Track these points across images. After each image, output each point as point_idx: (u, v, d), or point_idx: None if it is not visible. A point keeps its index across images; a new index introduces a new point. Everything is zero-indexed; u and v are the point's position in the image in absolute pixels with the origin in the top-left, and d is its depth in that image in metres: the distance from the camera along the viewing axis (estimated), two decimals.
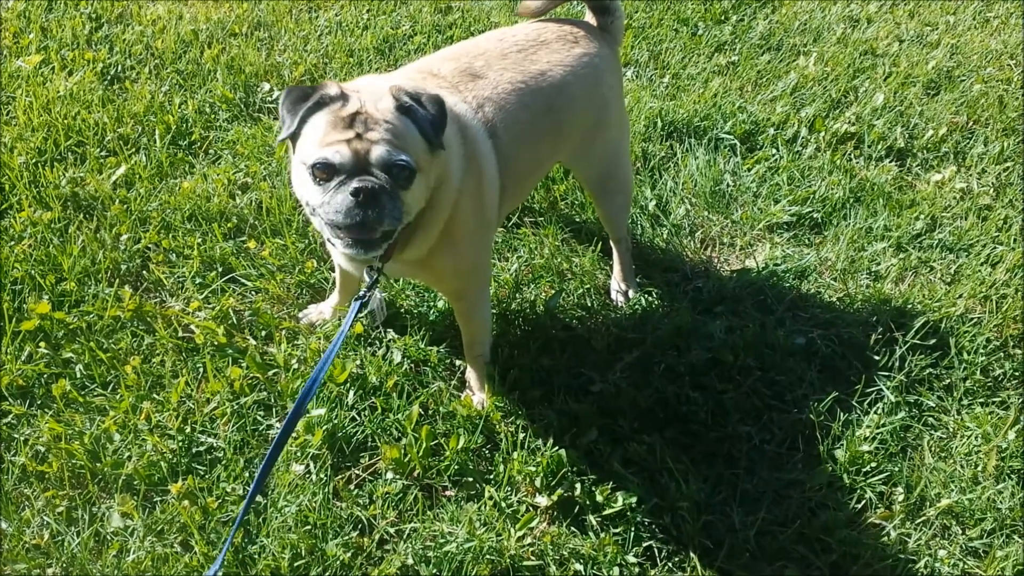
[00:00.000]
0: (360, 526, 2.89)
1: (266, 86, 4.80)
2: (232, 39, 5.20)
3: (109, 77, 4.84)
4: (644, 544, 2.86)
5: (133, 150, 4.32)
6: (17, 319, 3.40)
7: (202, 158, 4.32)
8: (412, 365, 3.38)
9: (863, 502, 3.00)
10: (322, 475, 2.99)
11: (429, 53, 4.92)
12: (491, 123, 2.90)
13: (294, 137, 2.55)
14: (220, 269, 3.69)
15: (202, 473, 3.01)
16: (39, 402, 3.20)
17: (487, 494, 2.95)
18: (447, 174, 2.68)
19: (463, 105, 2.87)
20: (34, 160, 4.18)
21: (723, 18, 5.62)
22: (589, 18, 3.37)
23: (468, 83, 2.95)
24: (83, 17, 5.26)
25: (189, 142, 4.40)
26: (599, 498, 2.93)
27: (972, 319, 3.58)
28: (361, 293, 2.67)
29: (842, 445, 3.13)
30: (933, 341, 3.46)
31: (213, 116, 4.59)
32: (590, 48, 3.21)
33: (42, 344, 3.34)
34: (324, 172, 2.44)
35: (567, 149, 3.32)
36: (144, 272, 3.71)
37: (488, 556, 2.79)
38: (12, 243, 3.71)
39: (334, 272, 3.53)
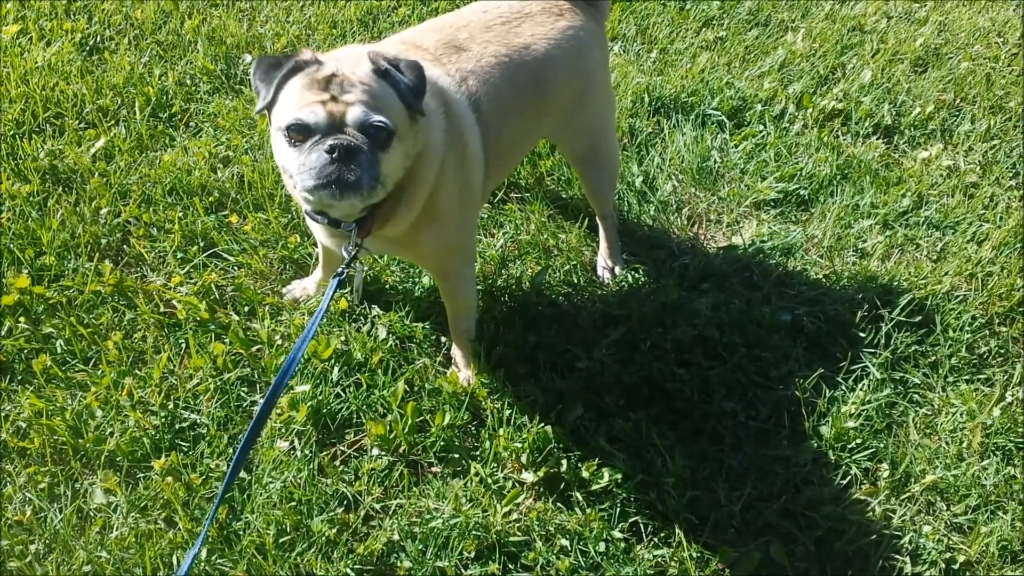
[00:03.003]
0: (345, 502, 2.88)
1: (248, 58, 4.72)
2: (213, 9, 5.11)
3: (88, 48, 4.75)
4: (630, 520, 2.87)
5: (112, 122, 4.25)
6: None
7: (183, 131, 4.26)
8: (397, 341, 3.35)
9: (848, 478, 3.01)
10: (307, 451, 2.97)
11: (413, 24, 4.87)
12: (475, 97, 2.86)
13: (271, 106, 2.50)
14: (202, 244, 3.65)
15: (185, 449, 2.99)
16: (19, 378, 3.16)
17: (473, 470, 2.94)
18: (428, 146, 2.63)
19: (447, 78, 2.83)
20: (12, 132, 4.10)
21: None
22: None
23: (452, 56, 2.91)
24: None
25: (169, 114, 4.33)
26: (585, 474, 2.93)
27: (958, 296, 3.59)
28: (339, 270, 2.63)
29: (827, 422, 3.13)
30: (919, 318, 3.46)
31: (194, 88, 4.52)
32: (575, 21, 3.17)
33: (22, 319, 3.29)
34: (299, 133, 2.40)
35: (552, 124, 3.28)
36: (125, 246, 3.66)
37: (474, 532, 2.78)
38: None
39: (317, 248, 3.50)
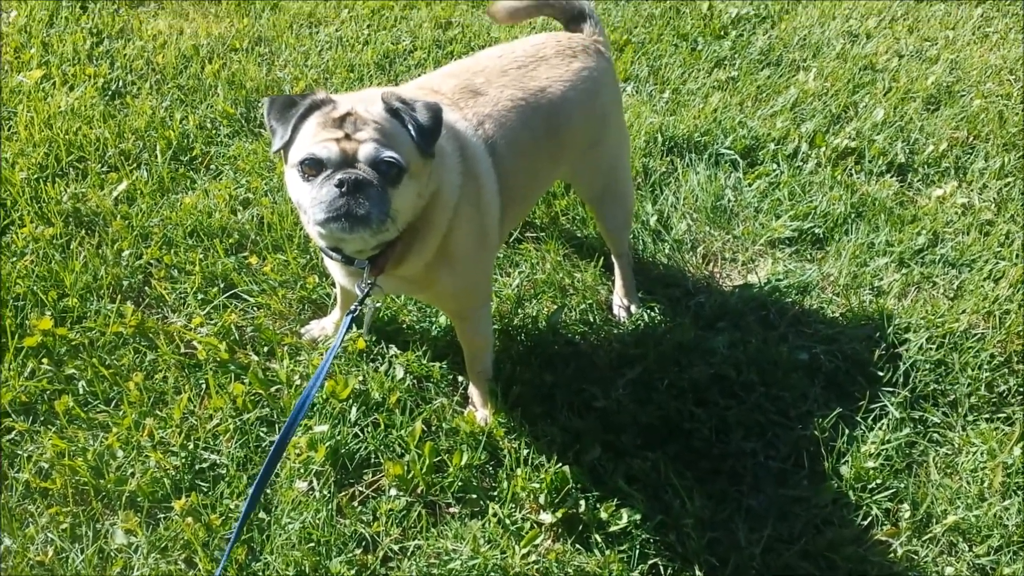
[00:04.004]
0: (364, 543, 2.88)
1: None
2: (233, 54, 5.22)
3: (110, 92, 4.85)
4: (649, 562, 2.85)
5: (134, 165, 4.32)
6: (20, 335, 3.39)
7: (203, 173, 4.32)
8: (415, 381, 3.37)
9: (869, 519, 2.99)
10: (325, 492, 2.98)
11: (429, 68, 4.96)
12: (491, 140, 2.90)
13: (287, 146, 2.54)
14: (222, 285, 3.69)
15: (205, 490, 3.00)
16: (42, 418, 3.19)
17: (491, 511, 2.94)
18: (443, 187, 2.67)
19: (464, 122, 2.88)
20: (36, 176, 4.18)
21: (722, 33, 5.64)
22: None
23: (468, 100, 2.96)
24: (84, 32, 5.28)
25: (190, 157, 4.40)
26: (603, 515, 2.92)
27: (975, 334, 3.58)
28: (352, 307, 2.65)
29: (847, 461, 3.12)
30: (937, 357, 3.46)
31: (214, 131, 4.59)
32: (589, 62, 3.22)
33: (45, 360, 3.33)
34: (312, 168, 2.44)
35: (567, 164, 3.32)
36: (146, 288, 3.71)
37: (493, 574, 2.78)
38: (14, 259, 3.70)
39: (335, 288, 3.53)
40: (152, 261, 3.78)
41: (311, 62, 5.18)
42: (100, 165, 4.29)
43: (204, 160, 4.39)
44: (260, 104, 4.77)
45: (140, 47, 5.20)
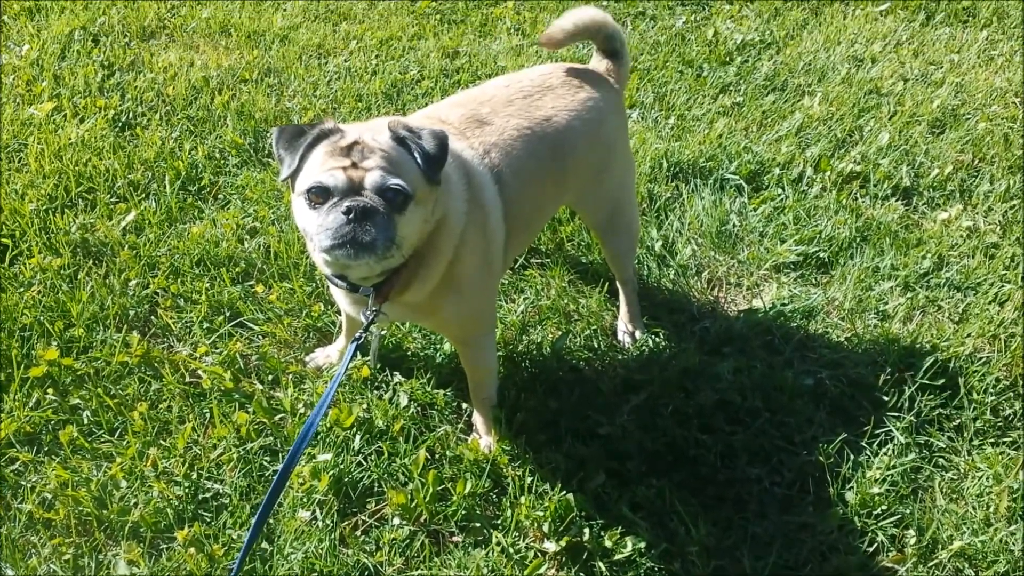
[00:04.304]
0: (367, 573, 2.87)
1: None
2: (242, 85, 5.28)
3: (120, 124, 4.91)
4: None
5: (143, 196, 4.36)
6: (25, 365, 3.41)
7: (211, 203, 4.36)
8: (419, 408, 3.37)
9: (875, 545, 2.96)
10: (328, 521, 2.98)
11: (437, 97, 5.01)
12: (497, 169, 2.92)
13: (295, 174, 2.57)
14: (228, 314, 3.71)
15: (208, 520, 3.00)
16: (46, 449, 3.20)
17: (495, 540, 2.93)
18: (448, 215, 2.69)
19: (470, 151, 2.90)
20: (45, 207, 4.22)
21: (728, 59, 5.67)
22: (595, 62, 3.41)
23: (475, 129, 2.99)
24: (95, 65, 5.35)
25: (199, 187, 4.45)
26: (608, 543, 2.90)
27: (981, 358, 3.56)
28: (358, 334, 2.67)
29: (852, 487, 3.09)
30: (942, 381, 3.43)
31: (223, 161, 4.64)
32: (594, 92, 3.25)
33: (50, 390, 3.35)
34: (319, 196, 2.46)
35: (573, 192, 3.35)
36: (152, 317, 3.73)
37: None
38: (21, 289, 3.74)
39: (340, 316, 3.54)
40: (159, 290, 3.81)
41: (320, 92, 5.23)
42: (109, 196, 4.34)
43: (212, 190, 4.44)
44: (269, 134, 4.81)
45: (151, 79, 5.27)
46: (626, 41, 3.46)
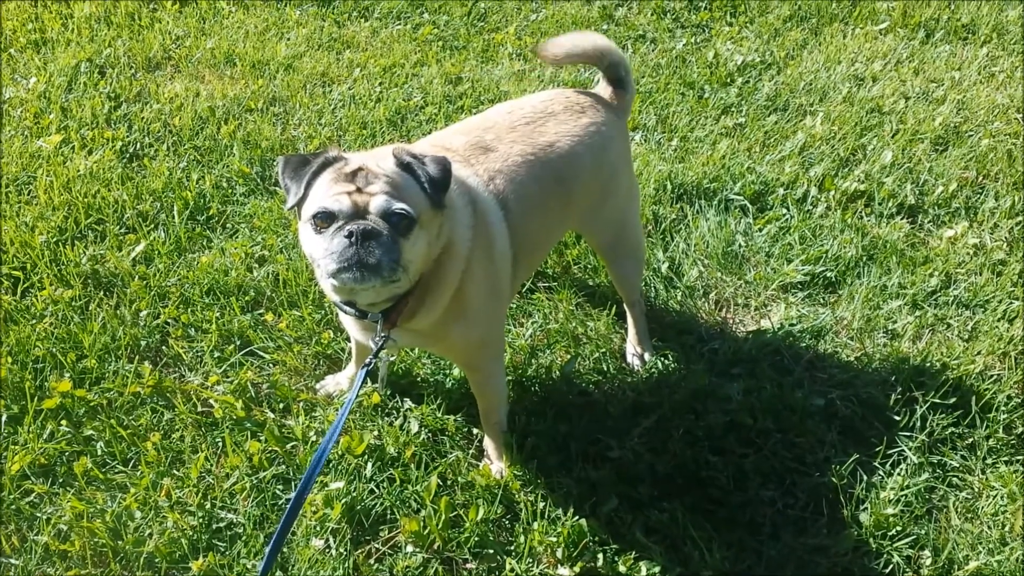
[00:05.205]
0: None
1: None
2: (248, 115, 5.32)
3: (128, 155, 4.94)
4: None
5: (152, 226, 4.39)
6: (39, 397, 3.42)
7: (220, 232, 4.39)
8: (430, 435, 3.38)
9: (891, 567, 2.95)
10: (342, 549, 2.98)
11: (440, 123, 5.04)
12: (502, 195, 2.95)
13: (301, 202, 2.59)
14: (238, 342, 3.72)
15: (223, 549, 3.00)
16: (61, 480, 3.21)
17: (508, 566, 2.92)
18: (454, 241, 2.71)
19: (475, 178, 2.93)
20: (55, 239, 4.25)
21: (729, 81, 5.70)
22: (600, 88, 3.44)
23: (479, 156, 3.01)
24: (102, 96, 5.40)
25: (207, 217, 4.47)
26: (622, 568, 2.90)
27: (992, 376, 3.56)
28: (367, 360, 2.68)
29: (867, 508, 3.09)
30: (954, 400, 3.43)
31: (230, 191, 4.67)
32: (597, 117, 3.27)
33: (64, 422, 3.36)
34: (324, 221, 2.49)
35: (578, 217, 3.36)
36: (163, 347, 3.75)
37: None
38: (34, 321, 3.76)
39: (350, 343, 3.56)
40: (169, 320, 3.83)
41: (325, 120, 5.27)
42: (118, 227, 4.36)
43: (220, 219, 4.46)
44: (275, 163, 4.84)
45: (157, 110, 5.31)
46: (631, 69, 3.48)
